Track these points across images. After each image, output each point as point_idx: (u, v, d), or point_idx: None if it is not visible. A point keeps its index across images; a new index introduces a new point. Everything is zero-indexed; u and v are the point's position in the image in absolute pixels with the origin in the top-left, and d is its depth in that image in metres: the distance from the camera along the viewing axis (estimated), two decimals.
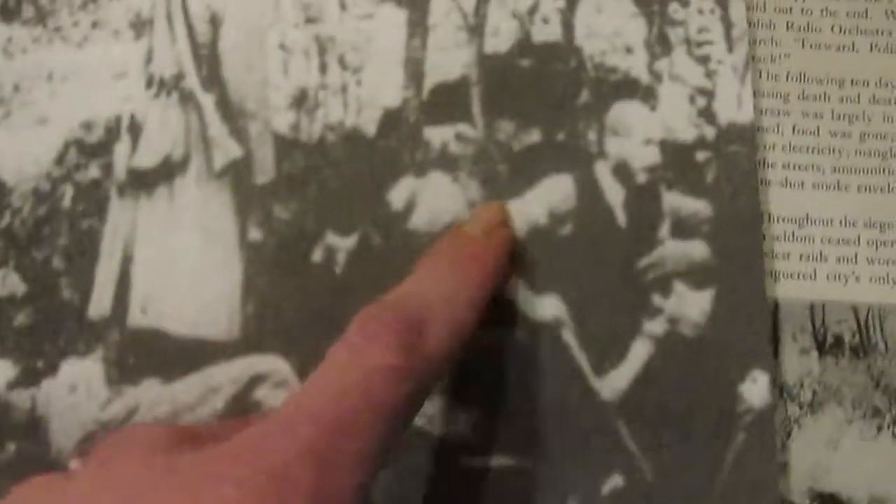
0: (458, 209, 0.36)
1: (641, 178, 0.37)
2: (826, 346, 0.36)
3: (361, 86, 0.37)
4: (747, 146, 0.37)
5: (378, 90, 0.37)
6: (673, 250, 0.36)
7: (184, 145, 0.37)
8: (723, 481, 0.34)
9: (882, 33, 0.39)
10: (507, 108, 0.37)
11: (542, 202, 0.36)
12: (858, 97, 0.39)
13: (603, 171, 0.37)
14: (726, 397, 0.35)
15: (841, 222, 0.38)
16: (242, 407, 0.34)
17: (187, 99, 0.37)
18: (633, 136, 0.37)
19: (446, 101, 0.37)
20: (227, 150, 0.37)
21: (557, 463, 0.34)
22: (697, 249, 0.36)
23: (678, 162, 0.37)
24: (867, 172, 0.38)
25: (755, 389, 0.35)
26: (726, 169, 0.37)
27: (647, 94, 0.38)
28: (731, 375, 0.35)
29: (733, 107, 0.37)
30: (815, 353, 0.36)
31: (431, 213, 0.36)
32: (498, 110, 0.37)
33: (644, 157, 0.37)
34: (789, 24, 0.39)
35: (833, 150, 0.38)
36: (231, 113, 0.37)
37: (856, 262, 0.37)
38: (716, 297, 0.36)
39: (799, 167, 0.38)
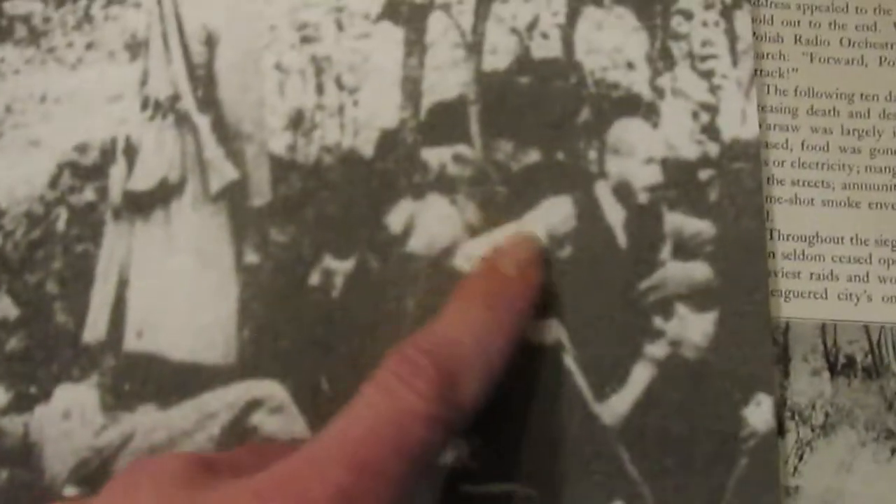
0: (456, 232, 0.36)
1: (643, 197, 0.36)
2: (838, 366, 0.36)
3: (358, 106, 0.37)
4: (752, 163, 0.36)
5: (375, 111, 0.37)
6: (675, 272, 0.35)
7: (180, 168, 0.36)
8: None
9: (891, 47, 0.39)
10: (506, 127, 0.37)
11: (541, 224, 0.36)
12: (868, 112, 0.38)
13: (603, 192, 0.36)
14: (729, 421, 0.34)
15: (852, 240, 0.37)
16: (239, 432, 0.34)
17: (183, 121, 0.37)
18: (635, 154, 0.36)
19: (444, 122, 0.37)
20: (223, 172, 0.36)
21: (558, 490, 0.33)
22: (700, 271, 0.35)
23: (680, 181, 0.36)
24: (878, 189, 0.37)
25: (758, 413, 0.34)
26: (730, 187, 0.36)
27: (649, 111, 0.37)
28: (734, 399, 0.34)
29: (737, 123, 0.37)
30: (826, 375, 0.36)
31: (429, 237, 0.36)
32: (496, 130, 0.37)
33: (645, 176, 0.36)
34: (797, 38, 0.39)
35: (843, 167, 0.38)
36: (227, 135, 0.37)
37: (867, 280, 0.36)
38: (719, 320, 0.35)
39: (808, 184, 0.37)
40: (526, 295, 0.33)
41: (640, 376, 0.34)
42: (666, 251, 0.36)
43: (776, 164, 0.37)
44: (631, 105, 0.37)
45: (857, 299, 0.36)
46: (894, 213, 0.37)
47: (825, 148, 0.38)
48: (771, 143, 0.38)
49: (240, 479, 0.26)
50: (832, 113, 0.38)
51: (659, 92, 0.37)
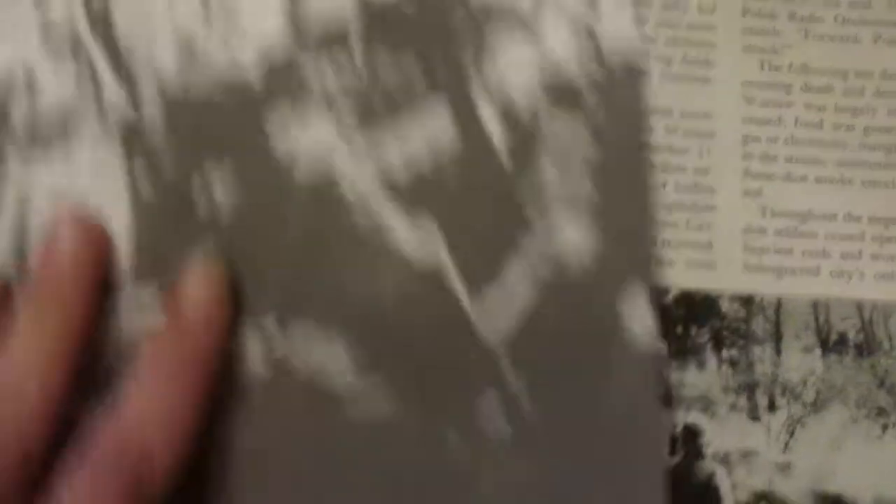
0: (339, 146, 0.35)
1: (523, 111, 0.35)
2: (830, 344, 0.36)
3: (241, 29, 0.36)
4: (633, 83, 0.36)
5: (256, 30, 0.36)
6: (554, 184, 0.35)
7: (77, 103, 0.35)
8: (608, 413, 0.33)
9: (886, 24, 0.39)
10: (386, 39, 0.36)
11: (419, 133, 0.35)
12: (863, 89, 0.38)
13: (482, 103, 0.35)
14: (610, 333, 0.34)
15: (845, 217, 0.37)
16: None
17: (80, 54, 0.35)
18: (514, 68, 0.36)
19: (324, 34, 0.36)
20: (119, 108, 0.35)
21: (437, 405, 0.33)
22: (580, 185, 0.35)
23: (560, 96, 0.35)
24: (872, 167, 0.37)
25: (637, 325, 0.34)
26: (609, 103, 0.35)
27: (529, 24, 0.36)
28: (614, 311, 0.34)
29: (618, 38, 0.36)
30: (818, 352, 0.36)
31: (315, 157, 0.35)
32: (377, 41, 0.36)
33: (525, 89, 0.35)
34: (791, 14, 0.39)
35: (837, 144, 0.37)
36: (122, 69, 0.35)
37: (860, 258, 0.36)
38: (600, 232, 0.34)
39: (802, 161, 0.37)
40: (213, 343, 0.31)
41: (515, 273, 0.34)
42: (546, 164, 0.35)
43: (769, 140, 0.37)
44: (511, 19, 0.36)
45: (850, 277, 0.36)
46: (888, 191, 0.37)
47: (819, 125, 0.38)
48: (764, 119, 0.37)
49: None
50: (826, 90, 0.38)
51: (538, 3, 0.36)
